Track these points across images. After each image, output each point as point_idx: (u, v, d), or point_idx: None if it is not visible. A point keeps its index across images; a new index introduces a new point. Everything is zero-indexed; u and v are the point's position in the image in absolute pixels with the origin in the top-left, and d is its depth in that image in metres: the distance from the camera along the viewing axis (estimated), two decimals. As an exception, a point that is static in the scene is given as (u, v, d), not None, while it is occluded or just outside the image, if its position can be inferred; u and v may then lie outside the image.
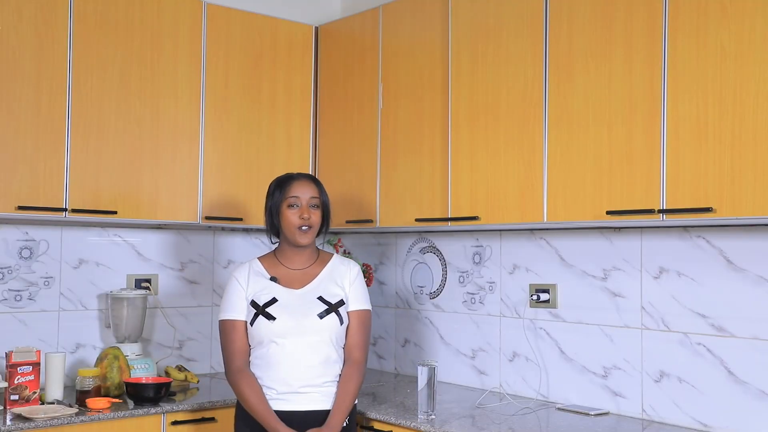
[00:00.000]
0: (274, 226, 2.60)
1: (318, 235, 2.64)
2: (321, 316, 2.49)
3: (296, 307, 2.50)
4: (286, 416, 2.45)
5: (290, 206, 2.55)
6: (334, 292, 2.55)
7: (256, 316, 2.48)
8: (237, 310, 2.52)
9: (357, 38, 3.42)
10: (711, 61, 2.20)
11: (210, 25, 3.27)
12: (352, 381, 2.52)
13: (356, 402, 2.59)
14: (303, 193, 2.56)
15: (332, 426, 2.44)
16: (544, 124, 2.62)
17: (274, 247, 2.68)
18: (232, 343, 2.51)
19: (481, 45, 2.85)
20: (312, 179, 2.63)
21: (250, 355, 2.52)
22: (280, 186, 2.59)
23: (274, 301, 2.49)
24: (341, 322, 2.51)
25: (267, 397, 2.46)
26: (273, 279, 2.55)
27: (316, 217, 2.57)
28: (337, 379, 2.52)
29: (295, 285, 2.55)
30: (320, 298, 2.52)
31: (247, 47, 3.38)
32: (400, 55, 3.20)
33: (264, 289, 2.53)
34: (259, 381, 2.48)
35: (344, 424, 2.49)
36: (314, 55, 3.60)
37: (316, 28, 3.62)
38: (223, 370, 2.58)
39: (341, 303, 2.53)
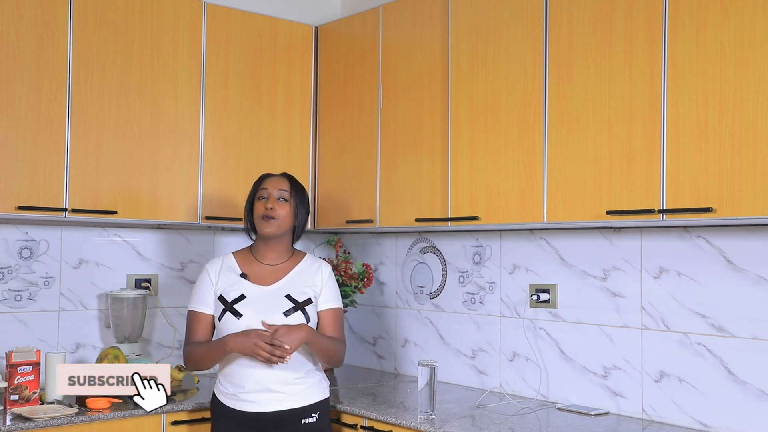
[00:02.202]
0: (252, 223, 2.69)
1: (298, 236, 2.72)
2: (287, 314, 2.53)
3: (263, 304, 2.55)
4: (255, 418, 2.50)
5: (259, 198, 2.65)
6: (303, 291, 2.59)
7: (224, 312, 2.54)
8: (204, 303, 2.60)
9: (357, 38, 3.42)
10: (711, 61, 2.20)
11: (210, 25, 3.27)
12: (337, 341, 2.63)
13: (328, 396, 2.66)
14: (272, 186, 2.65)
15: (309, 328, 2.51)
16: (544, 124, 2.62)
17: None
18: (194, 333, 2.61)
19: (481, 45, 2.85)
20: (286, 176, 2.72)
21: None
22: (256, 182, 2.72)
23: (242, 297, 2.55)
24: (307, 321, 2.55)
25: (235, 396, 2.53)
26: (243, 275, 2.61)
27: (282, 209, 2.62)
28: (307, 375, 2.57)
29: (265, 282, 2.61)
30: (288, 296, 2.56)
31: (247, 47, 3.38)
32: (400, 55, 3.20)
33: (233, 285, 2.59)
34: (228, 379, 2.55)
35: (314, 418, 2.54)
36: (314, 55, 3.60)
37: (316, 28, 3.62)
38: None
39: (308, 302, 2.58)
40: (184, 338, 2.66)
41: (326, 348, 2.58)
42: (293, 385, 2.53)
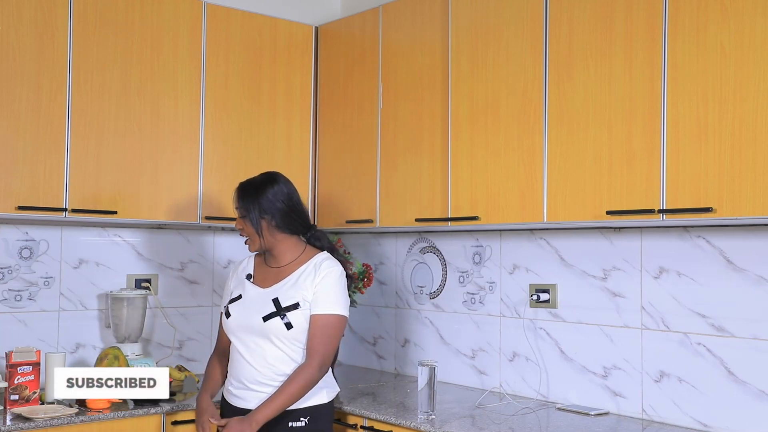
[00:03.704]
0: None
1: (294, 228, 2.58)
2: (265, 318, 2.47)
3: (250, 306, 2.54)
4: (241, 413, 2.48)
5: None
6: (292, 295, 2.48)
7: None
8: (225, 301, 2.66)
9: (357, 38, 3.42)
10: (711, 61, 2.20)
11: (210, 25, 3.27)
12: (293, 382, 2.41)
13: (327, 401, 2.53)
14: (234, 204, 2.63)
15: (253, 419, 2.38)
16: (544, 124, 2.62)
17: None
18: (219, 330, 2.70)
19: (481, 45, 2.85)
20: (239, 190, 2.60)
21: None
22: None
23: (239, 298, 2.58)
24: (288, 327, 2.45)
25: (229, 391, 2.57)
26: (248, 276, 2.63)
27: (246, 226, 2.57)
28: None
29: (266, 284, 2.58)
30: (275, 300, 2.49)
31: (247, 47, 3.38)
32: (400, 55, 3.20)
33: (239, 285, 2.63)
34: (229, 374, 2.60)
35: (302, 423, 2.46)
36: (314, 55, 3.60)
37: (316, 28, 3.62)
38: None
39: (294, 307, 2.46)
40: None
41: (285, 404, 2.41)
42: (272, 386, 2.45)
